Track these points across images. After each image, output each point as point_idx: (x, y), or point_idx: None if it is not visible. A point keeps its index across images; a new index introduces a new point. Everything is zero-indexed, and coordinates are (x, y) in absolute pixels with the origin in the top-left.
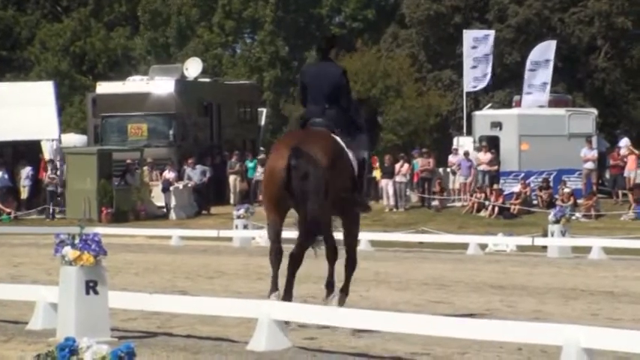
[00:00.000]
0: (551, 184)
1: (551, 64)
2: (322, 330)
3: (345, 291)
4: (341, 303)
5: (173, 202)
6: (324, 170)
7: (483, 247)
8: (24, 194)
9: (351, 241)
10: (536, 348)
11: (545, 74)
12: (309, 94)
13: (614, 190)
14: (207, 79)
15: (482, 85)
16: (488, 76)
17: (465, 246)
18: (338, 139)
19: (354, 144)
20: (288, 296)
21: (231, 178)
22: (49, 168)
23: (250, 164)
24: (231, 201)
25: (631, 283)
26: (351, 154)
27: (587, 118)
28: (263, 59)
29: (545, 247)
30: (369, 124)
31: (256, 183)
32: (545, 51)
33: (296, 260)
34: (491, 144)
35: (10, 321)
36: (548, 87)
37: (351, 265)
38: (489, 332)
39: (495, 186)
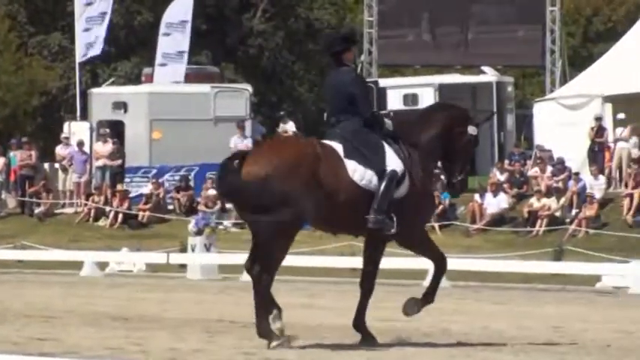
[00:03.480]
0: (193, 183)
1: (189, 26)
2: None
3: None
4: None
5: None
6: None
7: (103, 266)
8: None
9: (373, 268)
10: None
11: (183, 40)
12: (327, 108)
13: None
14: None
15: (94, 53)
16: (101, 40)
17: (78, 265)
18: (334, 146)
19: (370, 156)
20: (259, 323)
21: None
22: None
23: None
24: None
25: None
26: (356, 166)
27: (239, 97)
28: None
29: (184, 266)
30: (453, 136)
31: None
32: (181, 10)
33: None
34: (114, 131)
35: None
36: (186, 56)
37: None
38: None
39: (119, 186)
